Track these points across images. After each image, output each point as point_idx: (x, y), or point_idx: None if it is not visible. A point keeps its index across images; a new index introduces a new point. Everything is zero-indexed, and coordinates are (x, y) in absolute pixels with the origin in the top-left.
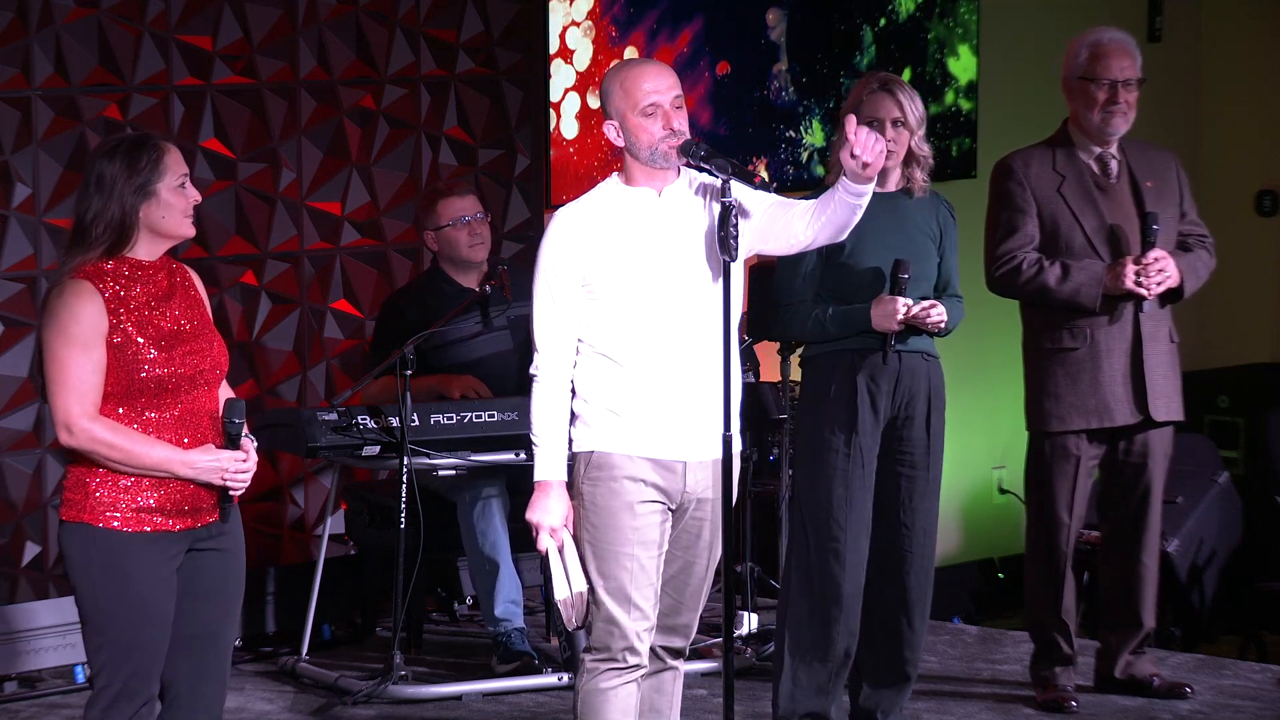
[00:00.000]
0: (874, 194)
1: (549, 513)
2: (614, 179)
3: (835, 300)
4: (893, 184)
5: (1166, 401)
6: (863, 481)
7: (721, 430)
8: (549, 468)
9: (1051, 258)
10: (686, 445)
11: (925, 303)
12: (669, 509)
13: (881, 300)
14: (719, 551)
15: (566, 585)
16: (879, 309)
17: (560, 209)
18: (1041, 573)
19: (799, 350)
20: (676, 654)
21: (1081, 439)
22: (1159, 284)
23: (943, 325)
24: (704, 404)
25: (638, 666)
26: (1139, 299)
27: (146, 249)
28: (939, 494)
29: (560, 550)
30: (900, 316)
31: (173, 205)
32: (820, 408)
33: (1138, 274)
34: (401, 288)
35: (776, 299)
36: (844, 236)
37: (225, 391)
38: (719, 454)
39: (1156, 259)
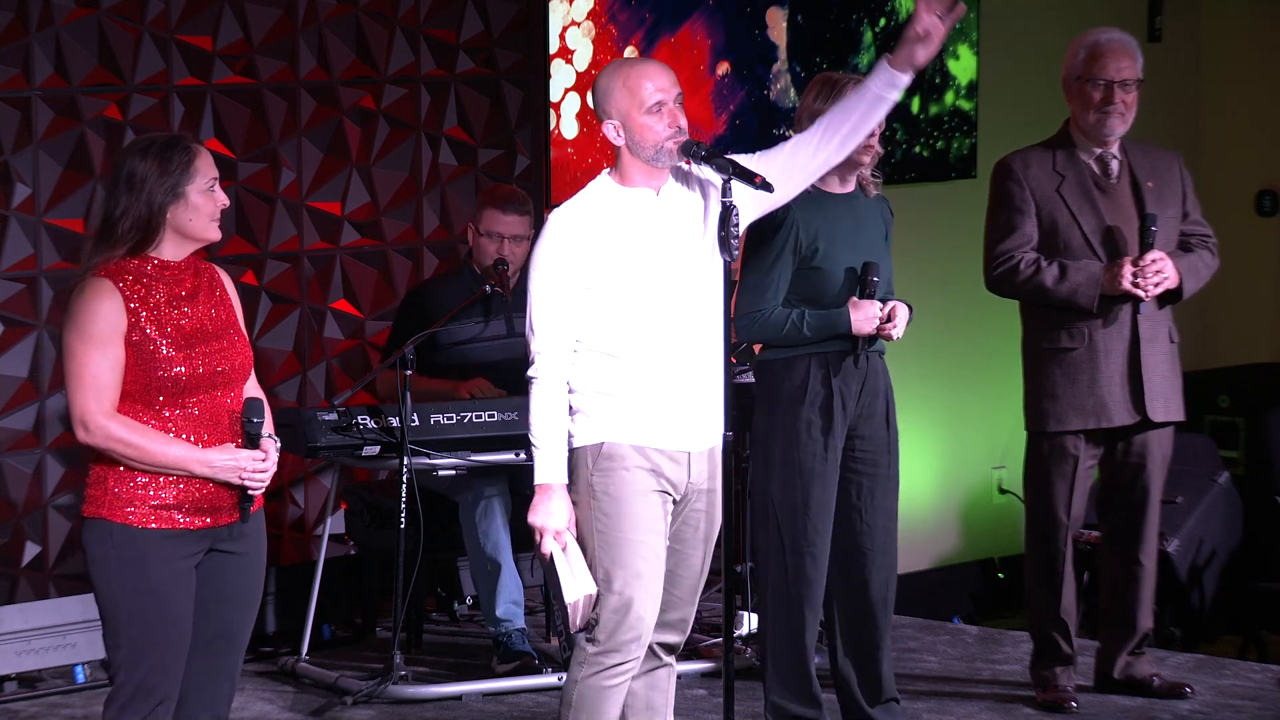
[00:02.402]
0: (834, 195)
1: (552, 515)
2: (605, 179)
3: (805, 304)
4: (853, 183)
5: (1165, 402)
6: (834, 484)
7: (714, 420)
8: (551, 470)
9: (1050, 258)
10: (690, 436)
11: (886, 308)
12: (674, 500)
13: (859, 304)
14: (713, 543)
15: (574, 588)
16: (859, 313)
17: (556, 211)
18: (1041, 573)
19: (751, 350)
20: (670, 650)
21: (1080, 439)
22: (1156, 285)
23: (895, 338)
24: (704, 396)
25: (637, 660)
26: (1136, 300)
27: (172, 249)
28: (898, 492)
29: (565, 552)
30: (877, 321)
31: (200, 208)
32: (797, 411)
33: (1135, 275)
34: (430, 277)
35: (746, 306)
36: (857, 144)
37: (251, 390)
38: (715, 443)
39: (1154, 260)
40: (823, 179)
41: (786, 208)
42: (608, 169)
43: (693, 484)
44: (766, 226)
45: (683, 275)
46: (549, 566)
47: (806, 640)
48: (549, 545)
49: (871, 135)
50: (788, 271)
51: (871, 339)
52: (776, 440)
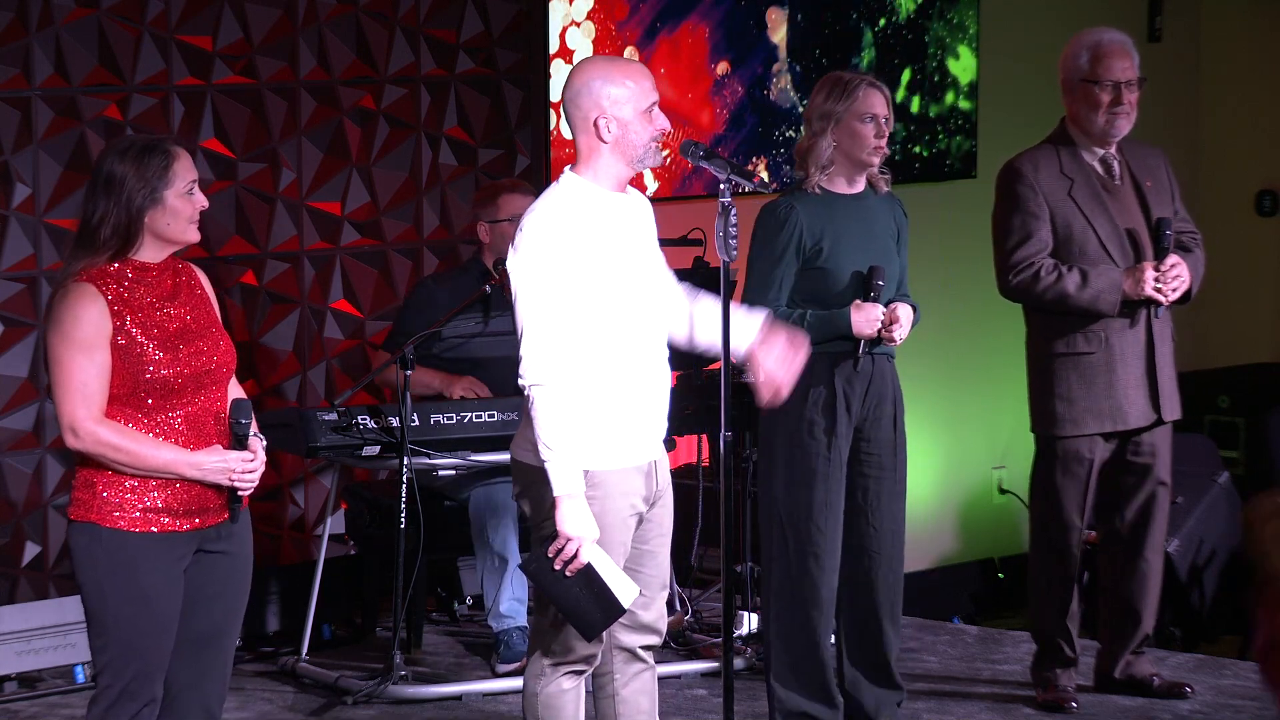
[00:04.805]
0: (842, 195)
1: (587, 525)
2: (577, 179)
3: (811, 304)
4: (862, 183)
5: (1172, 402)
6: (839, 485)
7: (675, 424)
8: (572, 479)
9: (1065, 263)
10: (655, 444)
11: (889, 311)
12: (645, 511)
13: (862, 307)
14: (670, 534)
15: (625, 592)
16: (860, 315)
17: (538, 214)
18: (1050, 576)
19: None
20: (651, 650)
21: (1095, 442)
22: (1175, 289)
23: (899, 342)
24: (662, 400)
25: (593, 664)
26: (1155, 304)
27: (150, 252)
28: (905, 494)
29: (602, 560)
30: (879, 325)
31: (179, 212)
32: (800, 411)
33: (1157, 279)
34: (438, 271)
35: (749, 305)
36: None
37: (235, 390)
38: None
39: (1174, 265)
40: (830, 179)
41: (790, 206)
42: (570, 168)
43: (660, 489)
44: (770, 225)
45: (649, 276)
46: (549, 576)
47: (818, 638)
48: (587, 554)
49: (880, 136)
50: (791, 271)
51: (875, 341)
52: (780, 440)
